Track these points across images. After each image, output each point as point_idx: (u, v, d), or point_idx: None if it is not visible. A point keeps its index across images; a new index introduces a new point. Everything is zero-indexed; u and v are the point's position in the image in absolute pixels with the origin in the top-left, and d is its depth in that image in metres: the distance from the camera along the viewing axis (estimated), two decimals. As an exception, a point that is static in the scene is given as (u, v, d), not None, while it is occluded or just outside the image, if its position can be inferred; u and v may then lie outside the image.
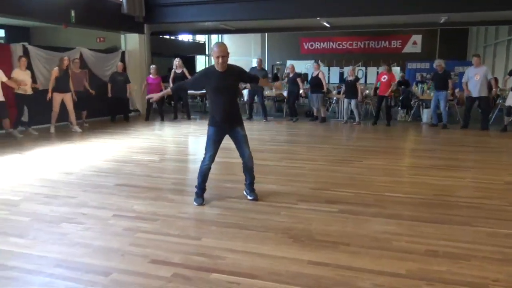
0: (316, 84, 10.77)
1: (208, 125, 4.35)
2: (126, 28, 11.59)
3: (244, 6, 11.22)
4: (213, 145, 4.34)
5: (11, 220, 3.92)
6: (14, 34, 12.42)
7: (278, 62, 22.20)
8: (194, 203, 4.37)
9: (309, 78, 11.66)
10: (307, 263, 3.03)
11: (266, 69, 21.99)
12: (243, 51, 22.29)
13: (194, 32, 18.41)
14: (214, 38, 23.47)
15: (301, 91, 11.59)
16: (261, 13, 11.26)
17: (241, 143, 4.37)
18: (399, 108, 11.89)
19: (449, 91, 10.05)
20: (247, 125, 4.59)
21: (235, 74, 4.29)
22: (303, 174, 5.67)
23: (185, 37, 19.72)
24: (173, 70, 11.24)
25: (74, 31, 11.50)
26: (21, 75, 8.28)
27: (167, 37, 17.16)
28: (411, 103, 11.75)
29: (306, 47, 22.55)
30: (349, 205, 4.33)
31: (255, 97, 11.32)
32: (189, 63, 18.25)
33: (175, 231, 3.65)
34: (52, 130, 9.09)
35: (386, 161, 6.46)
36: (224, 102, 4.23)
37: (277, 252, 3.23)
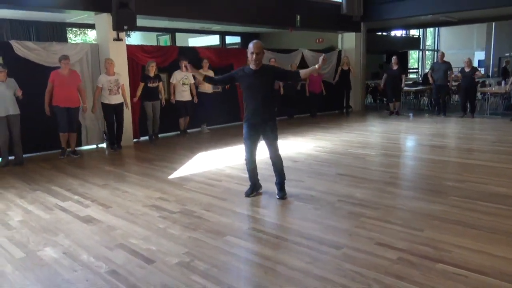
0: None
1: (243, 122, 4.52)
2: (344, 28, 12.11)
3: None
4: (249, 145, 4.47)
5: (254, 195, 4.76)
6: (248, 40, 14.39)
7: (507, 54, 19.49)
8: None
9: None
10: (549, 271, 2.82)
11: (491, 62, 19.72)
12: (464, 44, 20.40)
13: (409, 27, 17.80)
14: (430, 31, 22.21)
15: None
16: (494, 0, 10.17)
17: (269, 145, 4.46)
18: None
19: None
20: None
21: (268, 73, 4.33)
22: (540, 179, 5.06)
23: (397, 32, 19.25)
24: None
25: (296, 34, 12.64)
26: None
27: (379, 33, 17.09)
28: None
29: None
30: None
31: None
32: (402, 59, 17.74)
33: (397, 220, 3.83)
34: None
35: None
36: (256, 101, 4.31)
37: (511, 255, 3.08)
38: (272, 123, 4.43)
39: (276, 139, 4.49)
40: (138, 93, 8.02)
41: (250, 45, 4.23)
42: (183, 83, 8.56)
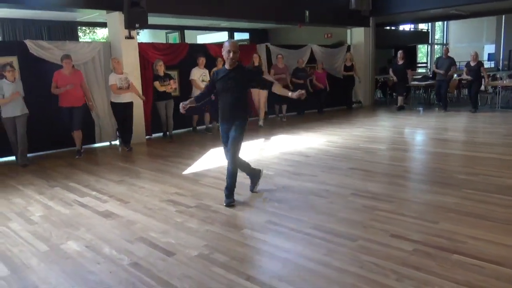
0: None
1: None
2: (353, 23, 12.10)
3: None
4: (225, 149, 4.38)
5: (268, 190, 4.83)
6: (256, 36, 14.45)
7: (517, 47, 19.32)
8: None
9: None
10: None
11: (501, 55, 19.55)
12: (473, 37, 20.24)
13: (418, 20, 17.71)
14: (439, 25, 22.06)
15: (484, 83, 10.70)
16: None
17: (229, 144, 4.27)
18: None
19: None
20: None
21: (242, 74, 4.20)
22: (553, 171, 5.07)
23: (406, 27, 19.16)
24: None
25: (304, 29, 12.65)
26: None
27: (387, 28, 17.02)
28: None
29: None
30: None
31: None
32: (410, 53, 17.68)
33: (411, 213, 3.88)
34: (261, 123, 9.21)
35: None
36: (228, 101, 4.22)
37: (526, 245, 3.13)
38: (238, 122, 4.25)
39: (237, 141, 4.25)
40: (163, 88, 8.00)
41: (226, 44, 4.11)
42: (202, 80, 8.65)
